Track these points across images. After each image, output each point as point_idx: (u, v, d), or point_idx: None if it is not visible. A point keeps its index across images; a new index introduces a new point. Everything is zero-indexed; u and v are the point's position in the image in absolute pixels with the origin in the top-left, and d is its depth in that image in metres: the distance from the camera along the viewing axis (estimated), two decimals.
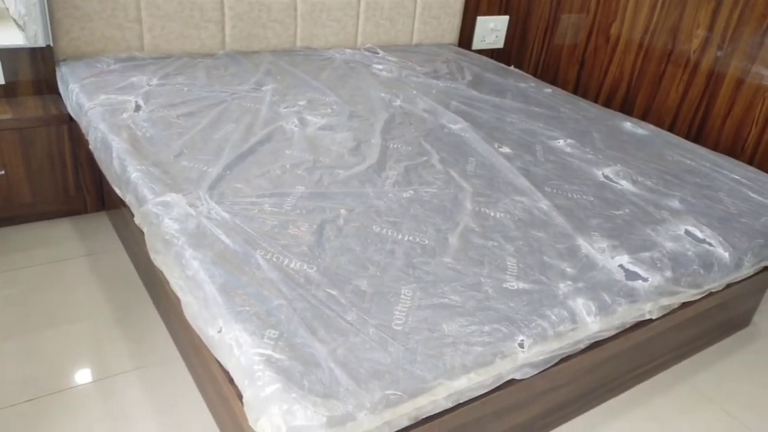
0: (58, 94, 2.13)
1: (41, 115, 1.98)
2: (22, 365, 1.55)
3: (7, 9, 2.41)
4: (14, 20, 2.34)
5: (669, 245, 1.44)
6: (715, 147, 2.47)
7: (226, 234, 1.27)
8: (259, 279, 1.15)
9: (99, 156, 1.71)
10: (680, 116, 2.63)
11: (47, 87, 2.16)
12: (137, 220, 1.41)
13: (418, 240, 1.36)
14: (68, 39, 2.15)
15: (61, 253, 2.00)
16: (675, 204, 1.65)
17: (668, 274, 1.35)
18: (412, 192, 1.58)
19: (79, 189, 2.16)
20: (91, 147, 1.78)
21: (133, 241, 1.83)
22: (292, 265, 1.21)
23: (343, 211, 1.44)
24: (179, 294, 1.20)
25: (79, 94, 1.91)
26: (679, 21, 2.57)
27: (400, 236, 1.37)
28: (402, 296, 1.17)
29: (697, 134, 2.58)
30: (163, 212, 1.33)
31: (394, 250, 1.31)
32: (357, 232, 1.36)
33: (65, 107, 2.03)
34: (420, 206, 1.51)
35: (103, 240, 2.09)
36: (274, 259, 1.21)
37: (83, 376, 1.54)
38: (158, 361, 1.61)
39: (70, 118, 2.00)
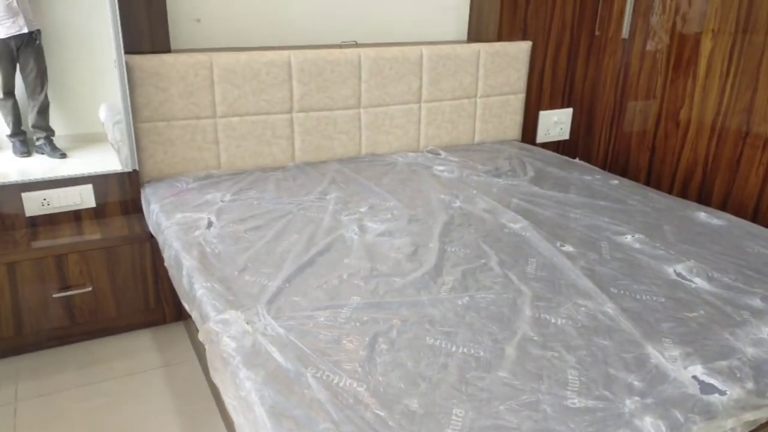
0: (142, 212, 2.32)
1: (126, 234, 2.15)
2: None
3: (106, 134, 2.70)
4: (111, 145, 2.62)
5: (750, 351, 1.32)
6: None
7: (280, 351, 1.29)
8: (308, 400, 1.15)
9: (172, 273, 1.82)
10: (763, 201, 2.47)
11: (133, 207, 2.36)
12: (200, 336, 1.47)
13: (472, 352, 1.33)
14: (152, 162, 2.35)
15: (139, 365, 2.09)
16: (756, 302, 1.52)
17: (750, 385, 1.22)
18: (468, 298, 1.55)
19: (159, 301, 2.28)
20: (165, 264, 1.90)
21: (204, 352, 1.89)
22: (341, 384, 1.20)
23: (396, 322, 1.43)
24: (233, 415, 1.21)
25: (159, 213, 2.06)
26: (752, 102, 2.48)
27: (453, 348, 1.34)
28: (453, 416, 1.13)
29: None
30: (223, 330, 1.38)
31: (447, 363, 1.28)
32: (409, 344, 1.35)
33: (147, 226, 2.20)
34: (476, 313, 1.48)
35: (179, 350, 2.18)
36: (324, 377, 1.21)
37: None
38: None
39: (151, 236, 2.16)
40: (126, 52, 2.20)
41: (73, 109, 2.89)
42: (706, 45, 2.64)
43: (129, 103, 2.22)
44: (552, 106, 3.16)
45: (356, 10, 2.80)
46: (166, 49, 2.37)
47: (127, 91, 2.21)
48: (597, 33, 3.09)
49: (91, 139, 2.90)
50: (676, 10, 2.74)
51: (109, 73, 2.28)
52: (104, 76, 2.46)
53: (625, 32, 2.99)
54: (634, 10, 2.94)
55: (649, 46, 2.89)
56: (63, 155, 2.86)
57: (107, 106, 2.74)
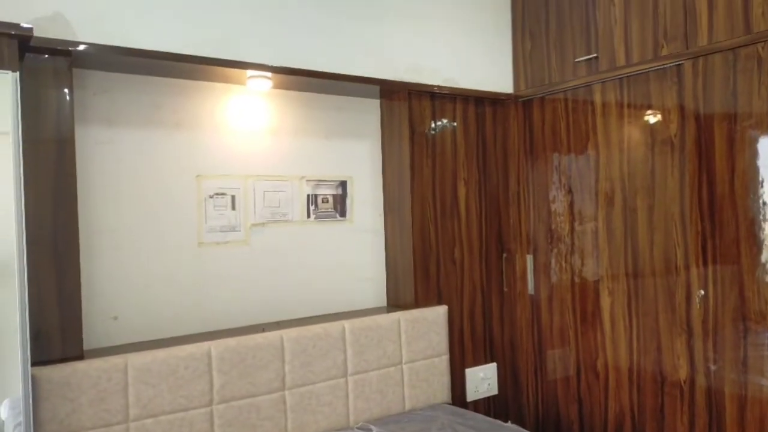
0: None
1: None
2: None
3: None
4: None
5: None
6: None
7: None
8: None
9: None
10: None
11: None
12: None
13: None
14: None
15: None
16: None
17: None
18: None
19: None
20: None
21: None
22: None
23: None
24: None
25: None
26: (659, 352, 2.62)
27: None
28: None
29: None
30: None
31: None
32: None
33: None
34: None
35: None
36: None
37: None
38: None
39: None
40: (33, 364, 2.10)
41: None
42: (605, 300, 2.85)
43: (32, 422, 2.05)
44: (476, 363, 3.21)
45: (276, 290, 2.89)
46: (78, 354, 2.28)
47: (31, 410, 2.05)
48: (505, 290, 3.30)
49: None
50: (571, 269, 3.00)
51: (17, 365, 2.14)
52: (12, 366, 2.31)
53: (530, 288, 3.22)
54: (534, 269, 3.20)
55: (555, 301, 3.10)
56: None
57: (10, 403, 2.52)
